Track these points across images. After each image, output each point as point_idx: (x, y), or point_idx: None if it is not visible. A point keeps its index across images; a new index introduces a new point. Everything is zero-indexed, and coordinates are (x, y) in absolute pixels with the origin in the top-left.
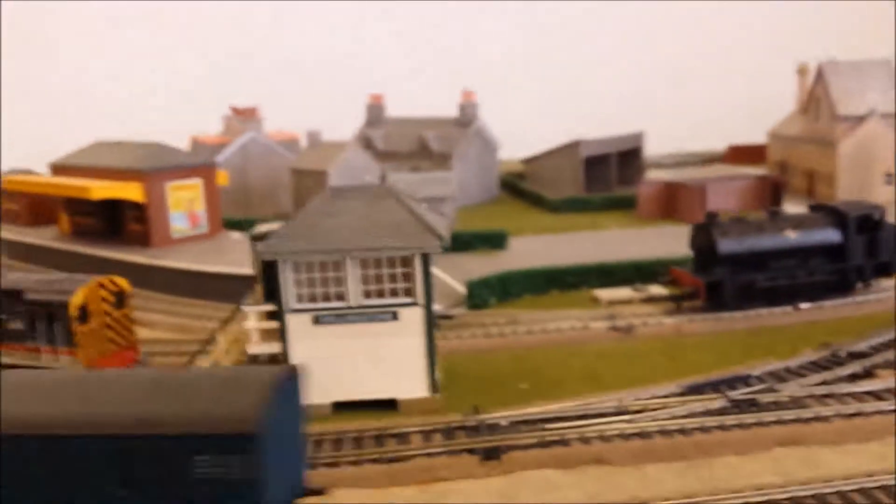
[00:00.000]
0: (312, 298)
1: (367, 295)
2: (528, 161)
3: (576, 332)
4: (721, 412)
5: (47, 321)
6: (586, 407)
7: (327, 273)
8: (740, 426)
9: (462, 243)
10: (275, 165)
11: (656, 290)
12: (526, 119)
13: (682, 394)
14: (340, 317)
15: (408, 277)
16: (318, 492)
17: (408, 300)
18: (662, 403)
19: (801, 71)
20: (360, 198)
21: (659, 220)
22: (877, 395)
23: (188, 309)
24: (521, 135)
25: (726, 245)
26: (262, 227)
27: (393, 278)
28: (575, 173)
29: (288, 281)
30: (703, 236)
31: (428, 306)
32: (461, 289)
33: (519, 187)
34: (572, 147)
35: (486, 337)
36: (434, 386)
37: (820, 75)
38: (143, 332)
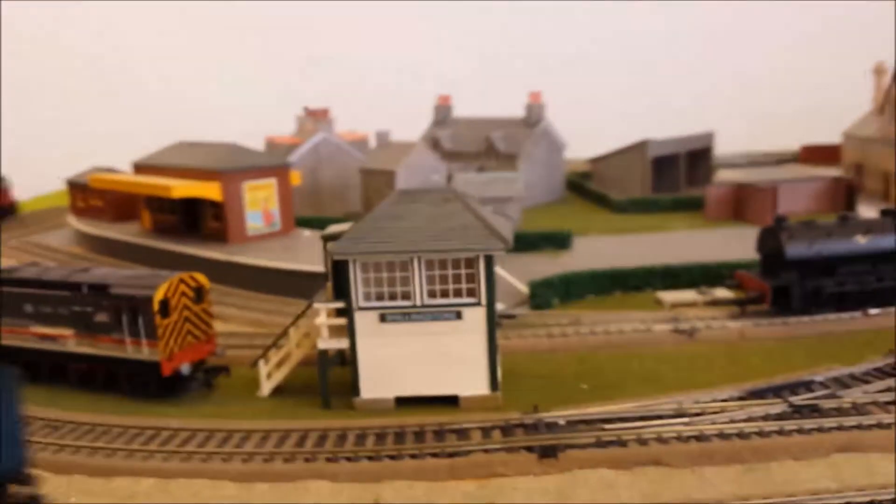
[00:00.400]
0: (380, 297)
1: (432, 295)
2: (595, 161)
3: (638, 335)
4: (781, 417)
5: (131, 314)
6: (645, 408)
7: (394, 273)
8: (800, 431)
9: (527, 243)
10: (345, 165)
11: (721, 293)
12: (595, 119)
13: (742, 398)
14: (406, 315)
15: (471, 278)
16: None
17: (471, 300)
18: (722, 407)
19: (878, 71)
20: (427, 200)
21: (727, 222)
22: None
23: (262, 304)
24: (589, 135)
25: (794, 249)
26: (333, 228)
27: (457, 279)
28: (642, 174)
29: (357, 280)
30: (771, 240)
31: (490, 306)
32: (524, 289)
33: (585, 188)
34: (640, 147)
35: (548, 337)
36: (494, 384)
37: None
38: (219, 326)
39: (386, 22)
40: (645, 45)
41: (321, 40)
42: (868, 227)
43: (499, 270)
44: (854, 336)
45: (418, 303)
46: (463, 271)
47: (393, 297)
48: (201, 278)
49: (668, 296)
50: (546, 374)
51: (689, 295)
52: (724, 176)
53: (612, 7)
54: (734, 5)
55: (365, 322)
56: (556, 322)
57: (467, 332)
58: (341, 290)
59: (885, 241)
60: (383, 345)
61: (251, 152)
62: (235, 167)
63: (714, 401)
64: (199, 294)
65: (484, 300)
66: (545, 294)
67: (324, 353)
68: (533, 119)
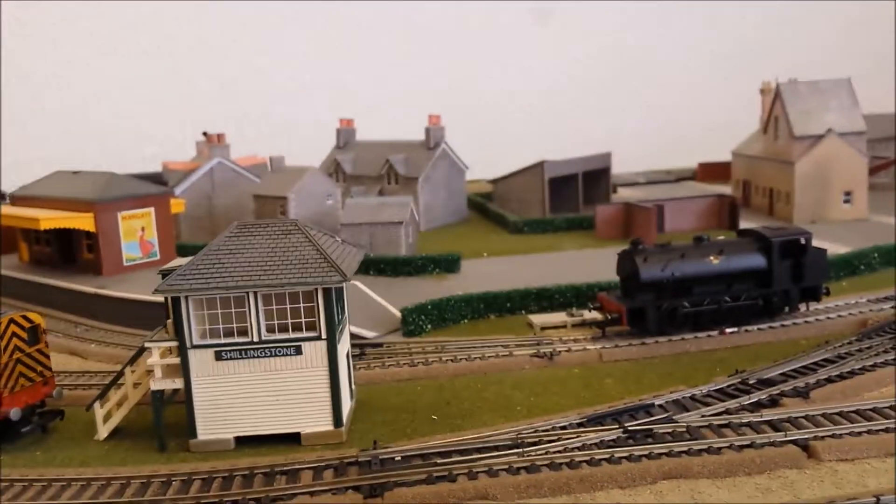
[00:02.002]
0: (215, 334)
1: (271, 330)
2: (496, 182)
3: (499, 360)
4: (614, 444)
5: None
6: (483, 440)
7: (230, 309)
8: (629, 458)
9: (415, 267)
10: (242, 190)
11: (590, 315)
12: (505, 140)
13: (581, 424)
14: (243, 352)
15: (311, 312)
16: None
17: (311, 334)
18: (559, 435)
19: (765, 90)
20: (266, 233)
21: (616, 241)
22: (773, 426)
23: (127, 339)
24: (501, 155)
25: (648, 272)
26: (174, 262)
27: (296, 313)
28: (540, 194)
29: (190, 317)
30: (628, 263)
31: (331, 340)
32: (398, 314)
33: (488, 208)
34: (537, 168)
35: (410, 365)
36: (338, 419)
37: (778, 95)
38: (74, 363)
39: (297, 45)
40: (552, 67)
41: (231, 64)
42: (721, 248)
43: (373, 296)
44: (709, 356)
45: (256, 339)
46: (301, 305)
47: (229, 333)
48: (35, 317)
49: (538, 318)
50: (400, 405)
51: (558, 317)
52: (620, 195)
53: (518, 32)
54: (639, 29)
55: (200, 360)
56: (422, 349)
57: (308, 367)
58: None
59: (739, 262)
60: (220, 383)
61: (129, 181)
62: (110, 197)
63: (553, 428)
64: (34, 334)
65: (324, 334)
66: (418, 320)
67: (157, 393)
68: (432, 142)
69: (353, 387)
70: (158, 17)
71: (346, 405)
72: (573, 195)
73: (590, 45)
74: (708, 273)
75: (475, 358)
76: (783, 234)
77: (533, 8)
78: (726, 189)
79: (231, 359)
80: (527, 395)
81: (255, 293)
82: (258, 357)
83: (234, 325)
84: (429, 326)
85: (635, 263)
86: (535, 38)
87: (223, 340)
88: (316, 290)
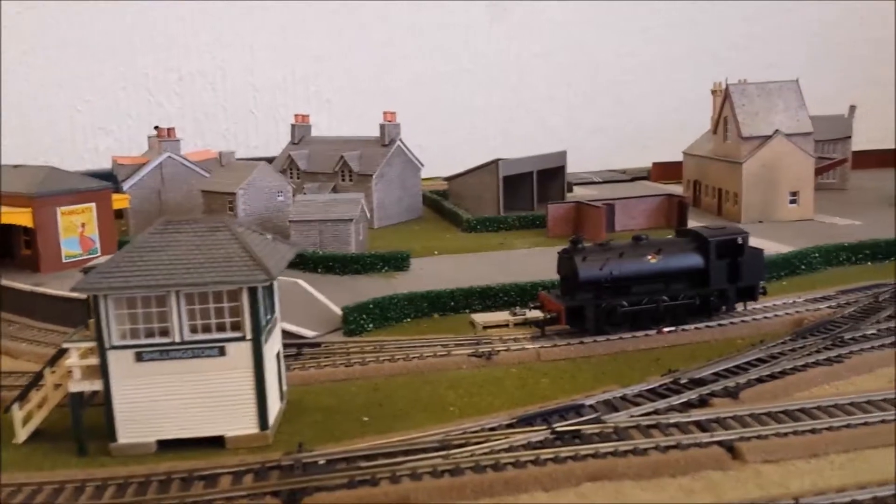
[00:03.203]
0: (136, 334)
1: (194, 330)
2: (451, 180)
3: (437, 360)
4: (541, 445)
5: None
6: (410, 442)
7: (151, 308)
8: (554, 460)
9: (364, 265)
10: (192, 186)
11: (533, 313)
12: (462, 138)
13: (510, 425)
14: (165, 353)
15: (235, 311)
16: None
17: (236, 335)
18: (486, 436)
19: (715, 91)
20: (192, 230)
21: (567, 239)
22: (701, 426)
23: (62, 338)
24: (456, 154)
25: (587, 271)
26: (99, 259)
27: (220, 313)
28: (494, 192)
29: (109, 316)
30: (567, 262)
31: (257, 340)
32: (340, 313)
33: (442, 206)
34: (491, 166)
35: (346, 365)
36: (264, 422)
37: (727, 96)
38: (6, 363)
39: (258, 39)
40: (510, 64)
41: (190, 57)
42: (659, 248)
43: (316, 295)
44: (646, 355)
45: (178, 339)
46: (226, 304)
47: (151, 334)
48: None
49: (481, 317)
50: (333, 407)
51: (501, 316)
52: (578, 193)
53: (476, 28)
54: (597, 26)
55: (119, 361)
56: (360, 349)
57: (232, 368)
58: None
59: (676, 261)
60: (141, 385)
61: (70, 175)
62: (48, 191)
63: (482, 430)
64: None
65: (249, 334)
66: (359, 319)
67: (76, 396)
68: (387, 139)
69: (285, 388)
70: (115, 8)
71: (275, 407)
72: (528, 193)
73: (548, 43)
74: (646, 272)
75: (413, 358)
76: (720, 234)
77: (490, 5)
78: (680, 189)
79: (152, 360)
80: (461, 395)
81: (178, 292)
82: (180, 358)
83: (157, 326)
84: (370, 326)
85: (574, 262)
86: (493, 34)
87: (144, 341)
88: (241, 289)
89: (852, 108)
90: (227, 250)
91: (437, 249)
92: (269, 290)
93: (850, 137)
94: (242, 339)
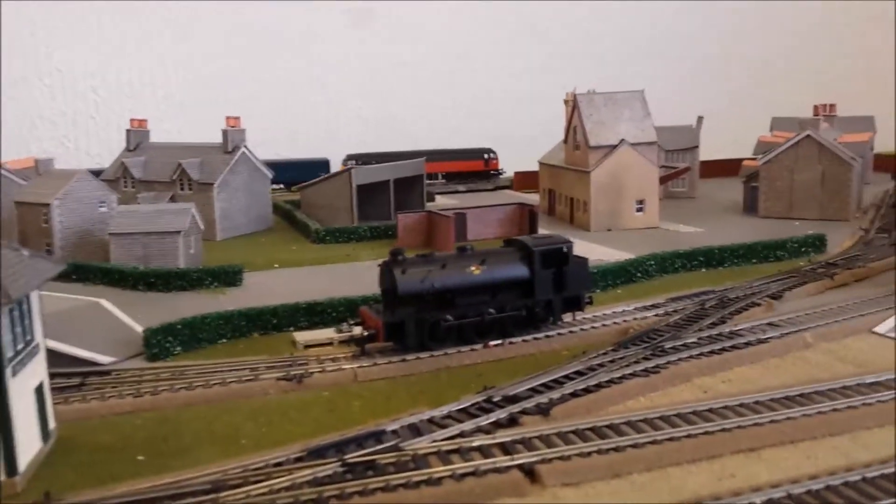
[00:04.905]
0: None
1: None
2: (303, 189)
3: (241, 385)
4: (329, 480)
5: None
6: (180, 484)
7: None
8: (340, 497)
9: (190, 281)
10: (9, 195)
11: (359, 330)
12: (325, 145)
13: (299, 458)
14: None
15: None
16: None
17: None
18: (269, 474)
19: (567, 101)
20: None
21: (417, 249)
22: (505, 448)
23: None
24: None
25: (407, 284)
26: None
27: None
28: (348, 201)
29: None
30: (387, 275)
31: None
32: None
33: (294, 216)
34: (344, 174)
35: (135, 396)
36: (12, 467)
37: (576, 105)
38: None
39: (101, 42)
40: (375, 70)
41: (25, 61)
42: (483, 259)
43: (119, 316)
44: (469, 371)
45: None
46: None
47: None
48: None
49: (303, 336)
50: (109, 444)
51: (325, 333)
52: (440, 203)
53: (337, 33)
54: (473, 34)
55: None
56: (155, 376)
57: None
58: None
59: (501, 272)
60: None
61: None
62: None
63: (267, 465)
64: None
65: None
66: (164, 342)
67: None
68: (230, 145)
69: (52, 425)
70: None
71: (31, 449)
72: (386, 203)
73: (413, 49)
74: (470, 284)
75: (214, 384)
76: (544, 244)
77: (350, 9)
78: (521, 199)
79: None
80: (260, 425)
81: None
82: None
83: None
84: (178, 349)
85: (393, 275)
86: (356, 39)
87: None
88: None
89: (700, 119)
90: None
91: (279, 262)
92: (23, 314)
93: (697, 147)
94: None
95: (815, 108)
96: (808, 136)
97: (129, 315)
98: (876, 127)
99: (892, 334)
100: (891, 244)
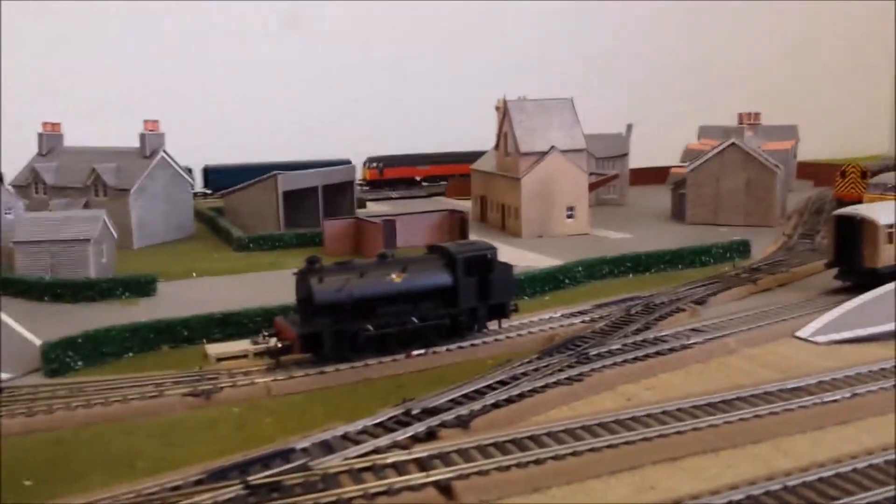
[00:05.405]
0: None
1: None
2: (227, 195)
3: (144, 402)
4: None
5: None
6: None
7: None
8: None
9: (100, 291)
10: None
11: (275, 341)
12: (252, 151)
13: (199, 481)
14: None
15: None
16: None
17: None
18: (163, 499)
19: (499, 108)
20: None
21: (346, 256)
22: (421, 464)
23: None
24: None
25: (323, 293)
26: None
27: None
28: (274, 208)
29: None
30: (303, 284)
31: None
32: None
33: (217, 223)
34: (270, 181)
35: (27, 416)
36: None
37: (506, 112)
38: None
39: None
40: (304, 74)
41: None
42: (404, 266)
43: (15, 328)
44: (390, 382)
45: None
46: None
47: None
48: None
49: (216, 348)
50: None
51: (239, 346)
52: (371, 209)
53: (264, 36)
54: (392, 40)
55: None
56: (52, 393)
57: None
58: None
59: (424, 280)
60: None
61: None
62: None
63: (162, 490)
64: None
65: None
66: (63, 357)
67: None
68: (148, 150)
69: None
70: None
71: None
72: (315, 209)
73: (343, 53)
74: (391, 292)
75: (114, 402)
76: (468, 250)
77: (278, 10)
78: (452, 206)
79: None
80: (162, 445)
81: None
82: None
83: None
84: (79, 363)
85: (309, 284)
86: (284, 43)
87: None
88: None
89: (629, 127)
90: None
91: (197, 271)
92: None
93: (627, 155)
94: None
95: (740, 116)
96: (733, 143)
97: (30, 328)
98: (799, 135)
99: (814, 338)
100: (813, 249)
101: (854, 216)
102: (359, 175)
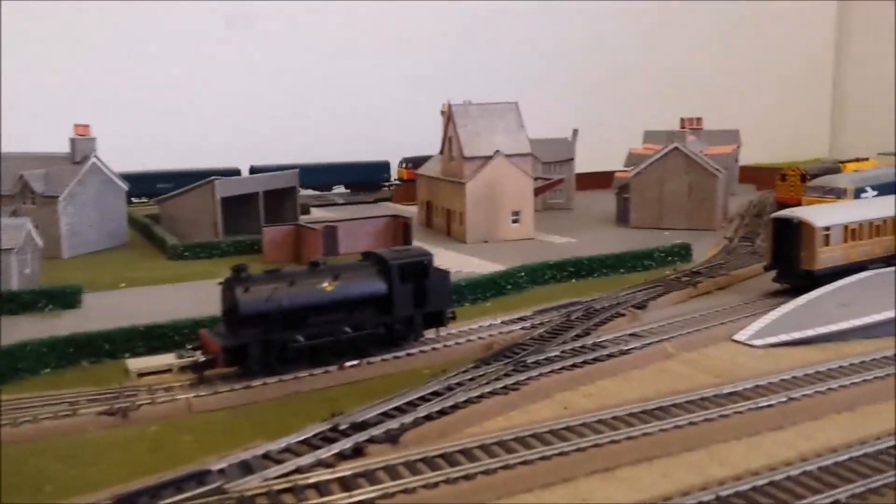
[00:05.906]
0: None
1: None
2: (162, 202)
3: (56, 422)
4: None
5: None
6: None
7: None
8: None
9: (22, 303)
10: None
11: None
12: (196, 156)
13: None
14: None
15: None
16: None
17: None
18: None
19: (444, 112)
20: None
21: (285, 263)
22: (345, 484)
23: None
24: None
25: (249, 304)
26: None
27: None
28: (212, 215)
29: None
30: (229, 294)
31: None
32: None
33: (152, 231)
34: (207, 186)
35: None
36: None
37: (451, 116)
38: None
39: None
40: (253, 77)
41: None
42: (337, 274)
43: None
44: (321, 395)
45: None
46: None
47: None
48: None
49: (137, 363)
50: None
51: (163, 360)
52: (315, 215)
53: (212, 40)
54: (351, 45)
55: None
56: None
57: None
58: None
59: (357, 287)
60: None
61: None
62: None
63: None
64: None
65: None
66: None
67: None
68: (79, 155)
69: None
70: None
71: None
72: (255, 215)
73: (293, 57)
74: (322, 301)
75: (23, 422)
76: (402, 257)
77: (227, 14)
78: (394, 211)
79: None
80: (71, 467)
81: None
82: None
83: None
84: None
85: (235, 294)
86: (229, 44)
87: None
88: None
89: (575, 132)
90: None
91: (127, 281)
92: None
93: (572, 159)
94: None
95: (682, 121)
96: (675, 148)
97: None
98: (741, 140)
99: (751, 342)
100: (753, 252)
101: (791, 219)
102: (394, 175)
